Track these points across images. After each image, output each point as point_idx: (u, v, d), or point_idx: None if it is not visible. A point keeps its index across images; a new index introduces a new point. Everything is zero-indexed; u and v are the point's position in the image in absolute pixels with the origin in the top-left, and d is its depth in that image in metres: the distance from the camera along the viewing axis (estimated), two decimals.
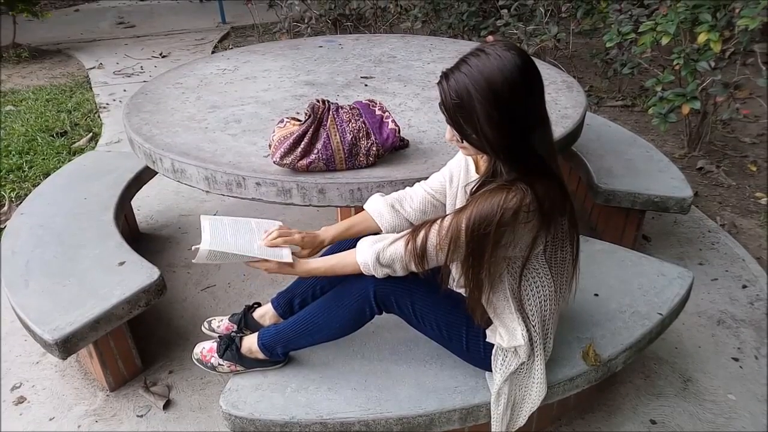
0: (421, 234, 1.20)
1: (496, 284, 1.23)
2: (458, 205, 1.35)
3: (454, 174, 1.40)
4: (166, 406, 1.75)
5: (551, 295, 1.29)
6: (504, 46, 1.05)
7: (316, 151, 1.59)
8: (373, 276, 1.30)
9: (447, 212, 1.41)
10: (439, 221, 1.19)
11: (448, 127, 1.14)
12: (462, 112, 1.06)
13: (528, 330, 1.28)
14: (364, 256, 1.28)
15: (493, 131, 1.05)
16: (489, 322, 1.31)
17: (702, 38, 2.67)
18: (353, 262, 1.30)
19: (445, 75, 1.08)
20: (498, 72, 1.02)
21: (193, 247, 1.30)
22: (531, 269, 1.24)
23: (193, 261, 1.30)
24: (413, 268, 1.24)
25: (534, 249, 1.17)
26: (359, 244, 1.31)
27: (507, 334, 1.28)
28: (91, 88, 4.74)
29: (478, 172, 1.32)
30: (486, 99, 1.02)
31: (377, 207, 1.46)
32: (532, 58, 1.08)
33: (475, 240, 1.12)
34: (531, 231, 1.13)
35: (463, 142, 1.14)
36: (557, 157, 1.16)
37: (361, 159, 1.64)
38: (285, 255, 1.35)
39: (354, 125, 1.61)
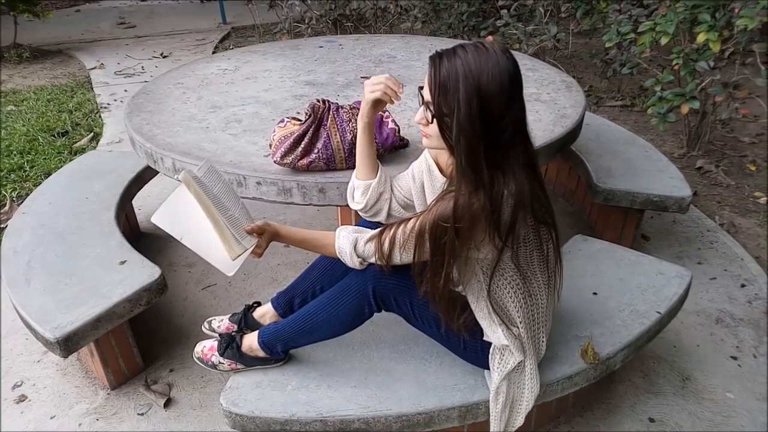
0: (389, 236, 1.23)
1: (473, 286, 1.25)
2: (428, 202, 1.37)
3: (416, 174, 1.42)
4: (167, 404, 1.76)
5: (529, 294, 1.28)
6: (501, 49, 1.07)
7: (316, 150, 1.60)
8: (373, 273, 1.31)
9: (417, 210, 1.43)
10: (404, 223, 1.21)
11: (420, 108, 1.16)
12: (445, 94, 1.07)
13: (510, 329, 1.28)
14: (341, 242, 1.31)
15: (468, 121, 1.05)
16: (471, 326, 1.32)
17: (701, 38, 2.68)
18: (330, 244, 1.33)
19: (440, 55, 1.09)
20: (494, 67, 1.05)
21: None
22: (501, 271, 1.23)
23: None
24: (385, 264, 1.27)
25: (503, 253, 1.17)
26: (338, 230, 1.34)
27: (492, 334, 1.29)
28: (92, 88, 4.74)
29: (442, 174, 1.34)
30: (474, 87, 1.04)
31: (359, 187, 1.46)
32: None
33: (436, 244, 1.14)
34: (489, 240, 1.14)
35: (428, 125, 1.14)
36: (529, 172, 1.13)
37: None
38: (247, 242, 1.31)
39: (354, 125, 1.62)
